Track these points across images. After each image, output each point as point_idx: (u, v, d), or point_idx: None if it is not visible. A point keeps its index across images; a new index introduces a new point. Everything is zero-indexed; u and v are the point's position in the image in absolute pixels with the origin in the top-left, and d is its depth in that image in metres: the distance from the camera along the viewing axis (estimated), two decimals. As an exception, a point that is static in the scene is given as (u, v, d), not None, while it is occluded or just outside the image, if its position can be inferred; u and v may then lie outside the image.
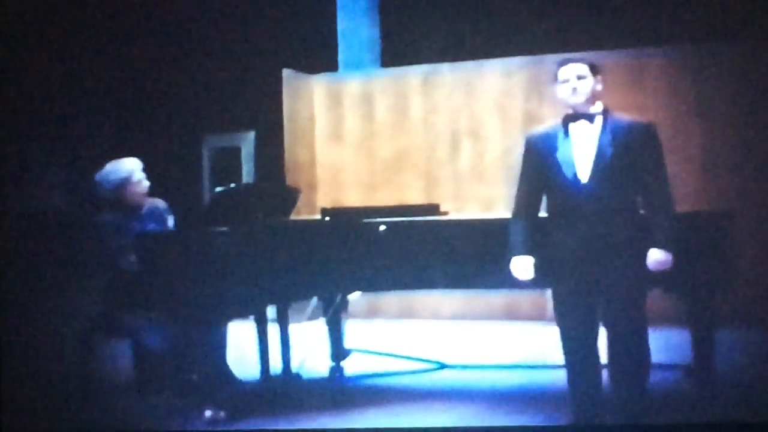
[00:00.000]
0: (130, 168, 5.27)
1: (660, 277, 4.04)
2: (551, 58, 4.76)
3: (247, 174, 8.94)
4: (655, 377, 4.22)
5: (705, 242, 4.76)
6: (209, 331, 4.96)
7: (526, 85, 7.81)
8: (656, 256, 3.95)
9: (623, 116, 4.08)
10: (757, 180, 7.17)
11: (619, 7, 8.03)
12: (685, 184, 6.12)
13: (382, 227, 5.03)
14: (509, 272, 4.15)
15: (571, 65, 4.05)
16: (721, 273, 4.83)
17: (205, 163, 9.12)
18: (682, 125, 7.23)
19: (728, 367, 5.24)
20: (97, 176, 5.27)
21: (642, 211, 4.06)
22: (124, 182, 5.23)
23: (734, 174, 7.23)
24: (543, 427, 4.57)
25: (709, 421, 4.44)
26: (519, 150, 4.21)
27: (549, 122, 4.19)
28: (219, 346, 5.16)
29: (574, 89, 4.02)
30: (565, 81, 4.04)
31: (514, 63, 7.94)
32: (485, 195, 7.79)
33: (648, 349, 4.07)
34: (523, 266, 4.11)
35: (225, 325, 5.13)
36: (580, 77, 4.02)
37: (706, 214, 5.12)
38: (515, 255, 4.13)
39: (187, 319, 4.83)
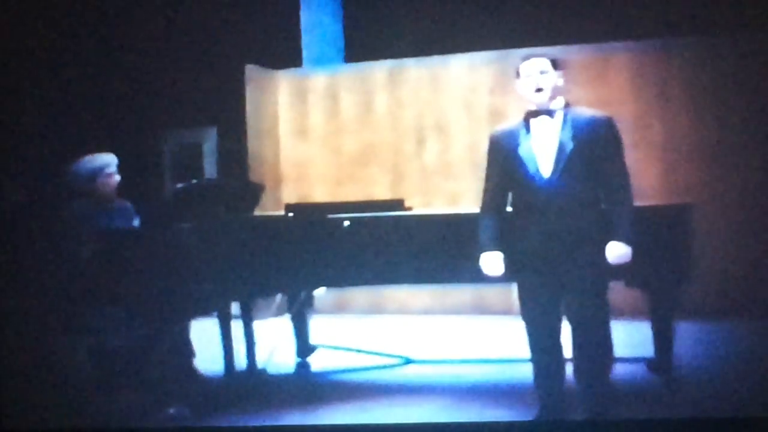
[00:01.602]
0: (106, 161, 5.26)
1: (621, 271, 4.07)
2: (516, 53, 4.77)
3: (209, 170, 8.87)
4: (619, 371, 4.25)
5: (664, 236, 4.80)
6: (172, 328, 4.93)
7: (492, 80, 7.83)
8: (616, 250, 3.98)
9: (584, 111, 4.10)
10: (717, 173, 7.25)
11: (581, 2, 8.07)
12: (646, 177, 6.19)
13: (347, 223, 5.02)
14: (476, 267, 4.16)
15: (533, 60, 4.07)
16: (680, 266, 4.87)
17: (167, 159, 9.03)
18: (643, 119, 7.28)
19: (691, 360, 5.30)
20: (73, 165, 5.26)
21: (603, 205, 4.09)
22: (98, 172, 5.21)
23: (694, 167, 7.30)
24: (509, 421, 4.58)
25: (671, 416, 4.47)
26: (484, 145, 4.23)
27: (512, 119, 4.20)
28: (183, 343, 5.12)
29: (536, 85, 4.03)
30: (528, 76, 4.05)
31: (479, 58, 7.95)
32: (452, 189, 7.81)
33: (611, 342, 4.10)
34: (492, 262, 4.12)
35: (188, 322, 5.09)
36: (542, 72, 4.04)
37: (666, 207, 5.15)
38: (485, 251, 4.13)
39: (149, 316, 4.79)
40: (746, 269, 7.12)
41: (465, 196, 7.29)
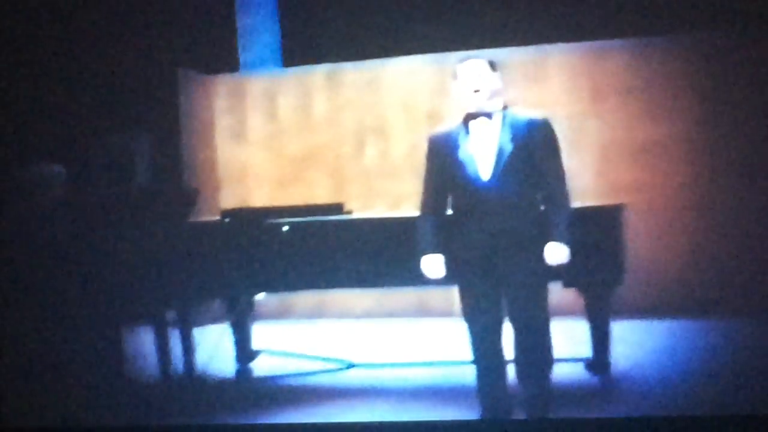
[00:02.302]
0: (59, 170, 5.18)
1: (559, 271, 4.10)
2: (454, 56, 4.80)
3: (143, 176, 8.74)
4: (559, 371, 4.28)
5: (599, 236, 4.86)
6: (106, 335, 4.85)
7: (430, 83, 7.85)
8: (554, 251, 4.00)
9: (522, 112, 4.13)
10: (649, 173, 7.37)
11: (518, 4, 8.14)
12: (580, 178, 6.25)
13: (285, 227, 4.99)
14: (417, 269, 4.15)
15: (470, 62, 4.08)
16: (614, 266, 4.94)
17: (99, 165, 8.87)
18: (577, 120, 7.37)
19: (628, 359, 5.37)
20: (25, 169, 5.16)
21: (542, 207, 4.11)
22: (53, 179, 5.12)
23: (627, 167, 7.41)
24: (451, 422, 4.59)
25: (609, 415, 4.52)
26: (424, 147, 4.22)
27: (451, 121, 4.20)
28: (117, 350, 5.05)
29: (474, 86, 4.04)
30: (465, 78, 4.06)
31: (418, 61, 7.98)
32: (393, 192, 7.81)
33: (550, 343, 4.13)
34: (433, 265, 4.12)
35: (123, 328, 5.02)
36: (479, 75, 4.05)
37: (600, 208, 5.20)
38: (425, 254, 4.13)
39: (83, 322, 4.71)
40: (680, 268, 7.25)
41: (406, 199, 7.27)
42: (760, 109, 7.13)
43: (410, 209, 4.77)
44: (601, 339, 5.02)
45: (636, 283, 5.64)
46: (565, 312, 4.61)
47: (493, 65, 4.09)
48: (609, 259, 4.94)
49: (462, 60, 4.11)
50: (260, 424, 4.70)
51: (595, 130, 7.48)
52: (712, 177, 7.28)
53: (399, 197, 7.64)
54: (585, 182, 6.83)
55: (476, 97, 4.04)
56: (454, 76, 4.11)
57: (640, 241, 6.42)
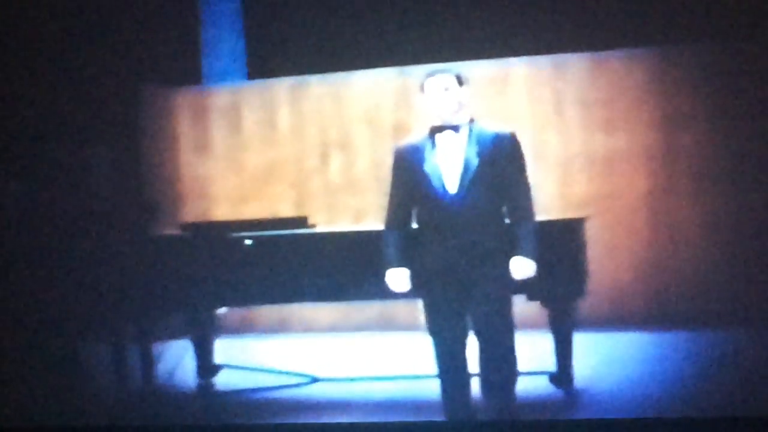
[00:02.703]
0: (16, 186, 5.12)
1: (523, 285, 4.11)
2: (420, 69, 4.80)
3: (103, 189, 8.63)
4: (522, 384, 4.28)
5: (562, 249, 4.88)
6: (64, 350, 4.79)
7: (395, 96, 7.86)
8: (520, 265, 4.01)
9: (488, 126, 4.13)
10: (609, 186, 7.43)
11: (481, 17, 8.18)
12: (542, 191, 6.28)
13: (248, 241, 4.96)
14: (381, 283, 4.14)
15: (438, 77, 4.08)
16: (577, 279, 4.96)
17: (59, 178, 8.75)
18: (539, 133, 7.41)
19: (591, 372, 5.39)
20: None
21: (507, 220, 4.12)
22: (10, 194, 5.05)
23: (588, 180, 7.46)
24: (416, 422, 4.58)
25: (573, 428, 4.53)
26: (389, 160, 4.22)
27: (417, 133, 4.20)
28: (74, 366, 4.98)
29: (441, 100, 4.04)
30: (433, 92, 4.06)
31: (383, 74, 7.98)
32: (356, 206, 7.79)
33: (515, 356, 4.13)
34: (398, 278, 4.11)
35: (81, 343, 4.96)
36: (446, 89, 4.05)
37: (562, 221, 5.22)
38: (390, 267, 4.12)
39: (41, 335, 4.64)
40: (642, 279, 7.30)
41: (370, 213, 7.28)
42: (719, 119, 7.23)
43: (374, 223, 4.77)
44: (565, 352, 5.04)
45: (598, 295, 5.67)
46: (530, 325, 4.61)
47: (460, 79, 4.10)
48: (572, 271, 4.96)
49: (430, 74, 4.10)
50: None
51: (556, 143, 7.53)
52: (672, 188, 7.35)
53: (362, 211, 7.63)
54: (547, 195, 6.87)
55: (444, 111, 4.04)
56: (422, 89, 4.11)
57: (602, 253, 6.46)
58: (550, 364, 5.11)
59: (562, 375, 5.07)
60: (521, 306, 4.35)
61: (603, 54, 7.57)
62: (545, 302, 5.00)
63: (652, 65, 7.44)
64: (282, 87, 8.22)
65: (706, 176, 7.28)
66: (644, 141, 7.40)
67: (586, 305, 5.23)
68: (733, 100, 7.19)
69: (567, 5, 7.79)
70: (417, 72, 4.73)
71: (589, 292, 5.11)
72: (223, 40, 8.67)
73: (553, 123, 7.57)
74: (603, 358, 5.92)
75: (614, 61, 7.52)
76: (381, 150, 7.33)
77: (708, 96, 7.28)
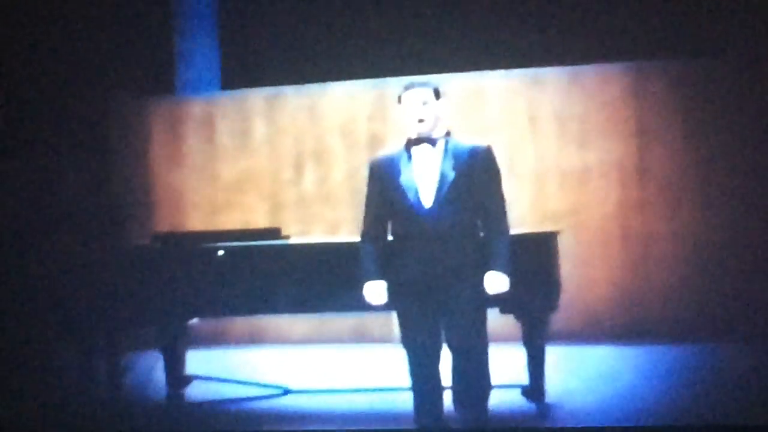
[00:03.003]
0: None
1: (497, 298, 4.11)
2: (396, 81, 4.81)
3: (75, 197, 8.56)
4: (495, 397, 4.28)
5: (535, 263, 4.89)
6: (34, 359, 4.74)
7: (370, 107, 7.86)
8: (494, 279, 4.02)
9: (465, 140, 4.14)
10: (583, 199, 7.46)
11: (457, 31, 8.21)
12: (516, 205, 6.31)
13: (221, 252, 4.93)
14: (354, 295, 4.13)
15: (415, 90, 4.08)
16: (549, 292, 4.97)
17: (30, 188, 8.66)
18: (514, 147, 7.44)
19: (564, 386, 5.40)
20: None
21: (482, 234, 4.12)
22: None
23: (562, 194, 7.50)
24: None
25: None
26: (364, 172, 4.21)
27: (392, 146, 4.20)
28: (44, 375, 4.92)
29: (419, 115, 4.04)
30: (410, 106, 4.06)
31: (358, 85, 7.98)
32: (331, 217, 7.78)
33: (488, 369, 4.12)
34: (376, 291, 4.10)
35: (50, 353, 4.90)
36: (424, 103, 4.05)
37: (535, 235, 5.23)
38: (368, 280, 4.10)
39: (10, 347, 4.59)
40: (614, 293, 7.33)
41: (344, 224, 7.27)
42: (691, 134, 7.30)
43: (349, 235, 4.76)
44: (537, 366, 5.04)
45: (571, 308, 5.68)
46: (503, 338, 4.61)
47: (438, 93, 4.10)
48: (545, 285, 4.97)
49: (408, 86, 4.10)
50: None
51: (530, 156, 7.57)
52: (645, 202, 7.41)
53: (336, 223, 7.62)
54: (521, 208, 6.89)
55: (420, 124, 4.04)
56: (399, 101, 4.11)
57: (575, 266, 6.48)
58: (523, 377, 5.11)
59: (534, 388, 5.08)
60: (495, 319, 4.35)
61: (578, 68, 7.63)
62: (518, 315, 5.01)
63: (627, 80, 7.51)
64: (257, 98, 8.20)
65: (679, 190, 7.34)
66: (618, 155, 7.45)
67: (558, 319, 5.25)
68: (705, 114, 7.27)
69: (543, 20, 7.85)
70: (392, 84, 4.74)
71: (562, 305, 5.12)
72: (198, 51, 8.64)
73: (528, 136, 7.60)
74: (575, 371, 5.93)
75: (589, 75, 7.58)
76: (356, 162, 7.34)
77: (680, 111, 7.36)
